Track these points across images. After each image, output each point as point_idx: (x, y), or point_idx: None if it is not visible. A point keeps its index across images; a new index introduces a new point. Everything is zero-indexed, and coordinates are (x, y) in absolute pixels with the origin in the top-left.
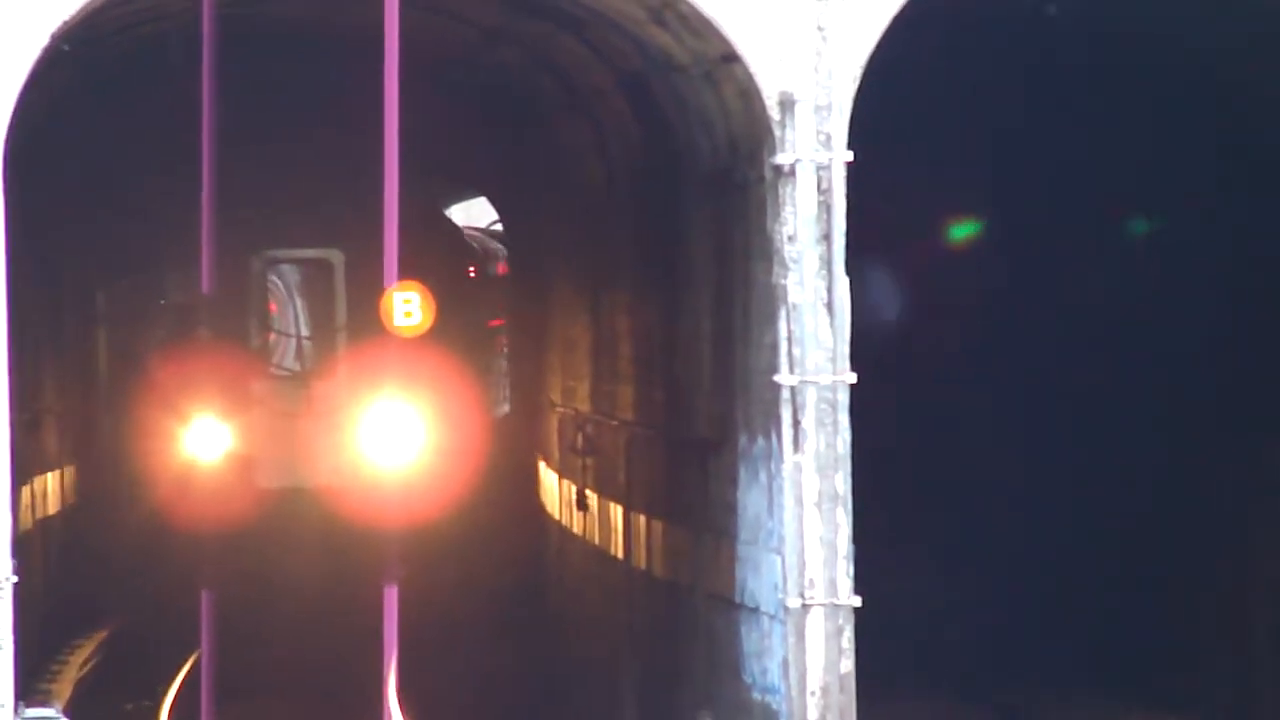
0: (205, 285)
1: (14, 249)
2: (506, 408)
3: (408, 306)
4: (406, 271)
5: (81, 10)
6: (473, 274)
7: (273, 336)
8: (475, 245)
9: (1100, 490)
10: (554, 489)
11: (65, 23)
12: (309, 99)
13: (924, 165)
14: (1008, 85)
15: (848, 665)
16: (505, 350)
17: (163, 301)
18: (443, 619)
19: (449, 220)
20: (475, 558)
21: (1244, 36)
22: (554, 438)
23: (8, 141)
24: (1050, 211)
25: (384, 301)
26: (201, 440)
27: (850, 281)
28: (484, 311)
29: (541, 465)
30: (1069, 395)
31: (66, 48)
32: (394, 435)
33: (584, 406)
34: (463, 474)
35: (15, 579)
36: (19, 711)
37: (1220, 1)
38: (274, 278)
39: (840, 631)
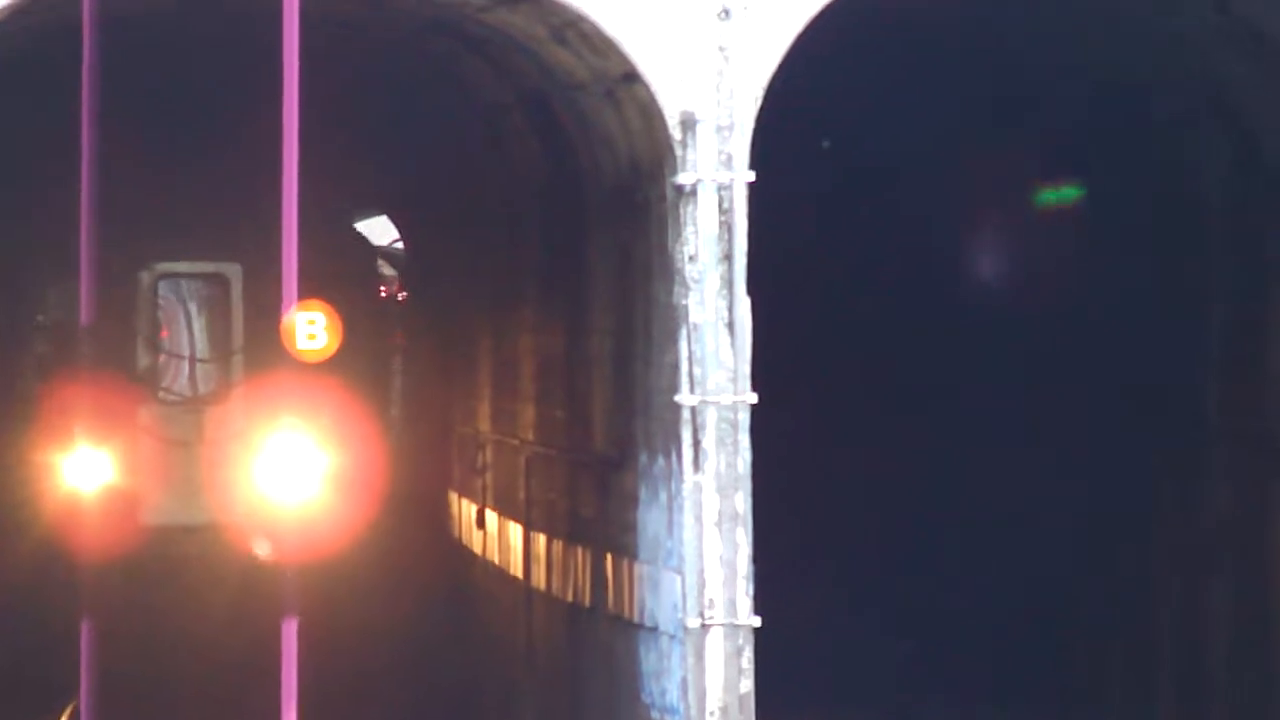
0: (84, 301)
1: None
2: (412, 432)
3: (312, 328)
4: (311, 289)
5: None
6: (384, 294)
7: (162, 358)
8: (384, 264)
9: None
10: (461, 512)
11: None
12: (210, 105)
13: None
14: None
15: (747, 685)
16: (411, 373)
17: (40, 318)
18: (348, 653)
19: (360, 235)
20: (383, 589)
21: None
22: (456, 460)
23: None
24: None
25: (285, 322)
26: (82, 470)
27: (752, 301)
28: (390, 333)
29: (451, 490)
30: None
31: None
32: (293, 469)
33: (485, 426)
34: (367, 505)
35: None
36: None
37: None
38: (165, 294)
39: (740, 651)
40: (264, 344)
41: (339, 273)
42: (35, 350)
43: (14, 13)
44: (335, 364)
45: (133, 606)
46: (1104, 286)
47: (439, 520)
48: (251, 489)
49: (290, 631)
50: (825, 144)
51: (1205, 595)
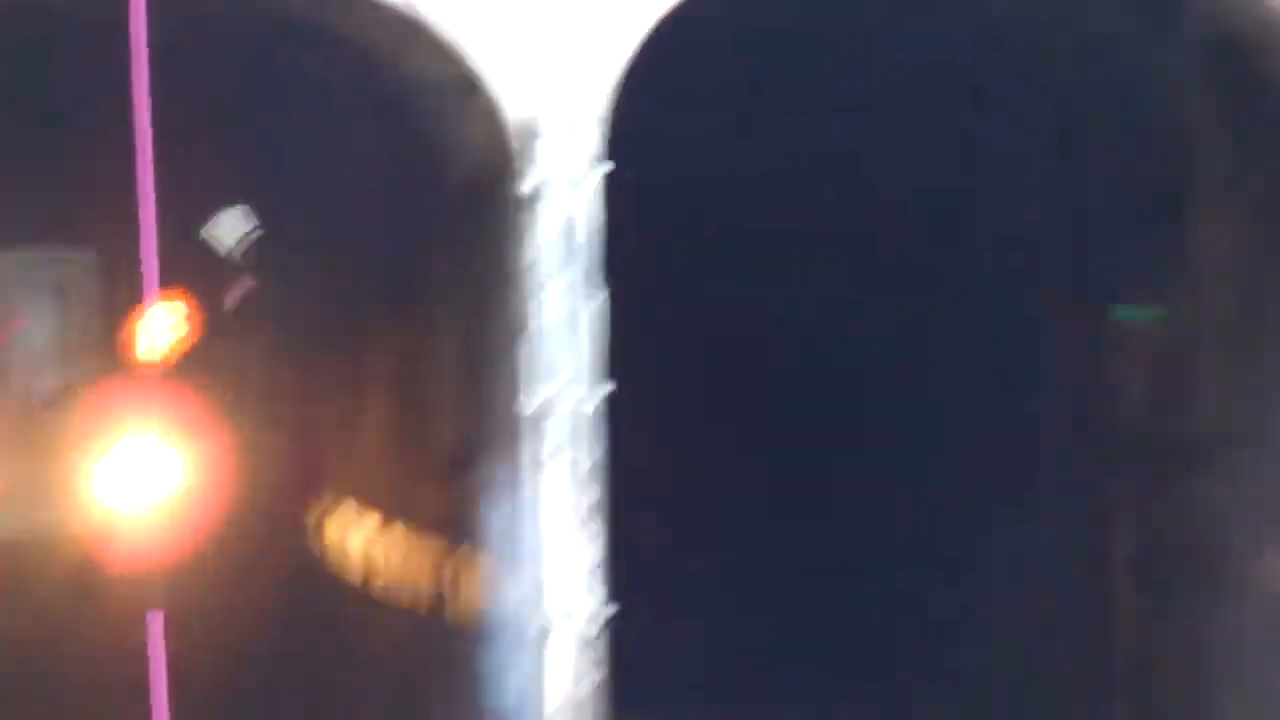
0: None
1: None
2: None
3: (166, 328)
4: (165, 286)
5: None
6: (238, 295)
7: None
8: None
9: None
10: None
11: None
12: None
13: None
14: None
15: (591, 684)
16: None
17: None
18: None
19: (214, 232)
20: (234, 597)
21: None
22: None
23: None
24: None
25: (136, 320)
26: None
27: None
28: (247, 336)
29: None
30: None
31: None
32: (143, 475)
33: (336, 430)
34: (219, 510)
35: None
36: None
37: None
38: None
39: (584, 650)
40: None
41: (192, 272)
42: None
43: None
44: (188, 366)
45: None
46: None
47: (307, 535)
48: (94, 497)
49: (157, 628)
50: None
51: None
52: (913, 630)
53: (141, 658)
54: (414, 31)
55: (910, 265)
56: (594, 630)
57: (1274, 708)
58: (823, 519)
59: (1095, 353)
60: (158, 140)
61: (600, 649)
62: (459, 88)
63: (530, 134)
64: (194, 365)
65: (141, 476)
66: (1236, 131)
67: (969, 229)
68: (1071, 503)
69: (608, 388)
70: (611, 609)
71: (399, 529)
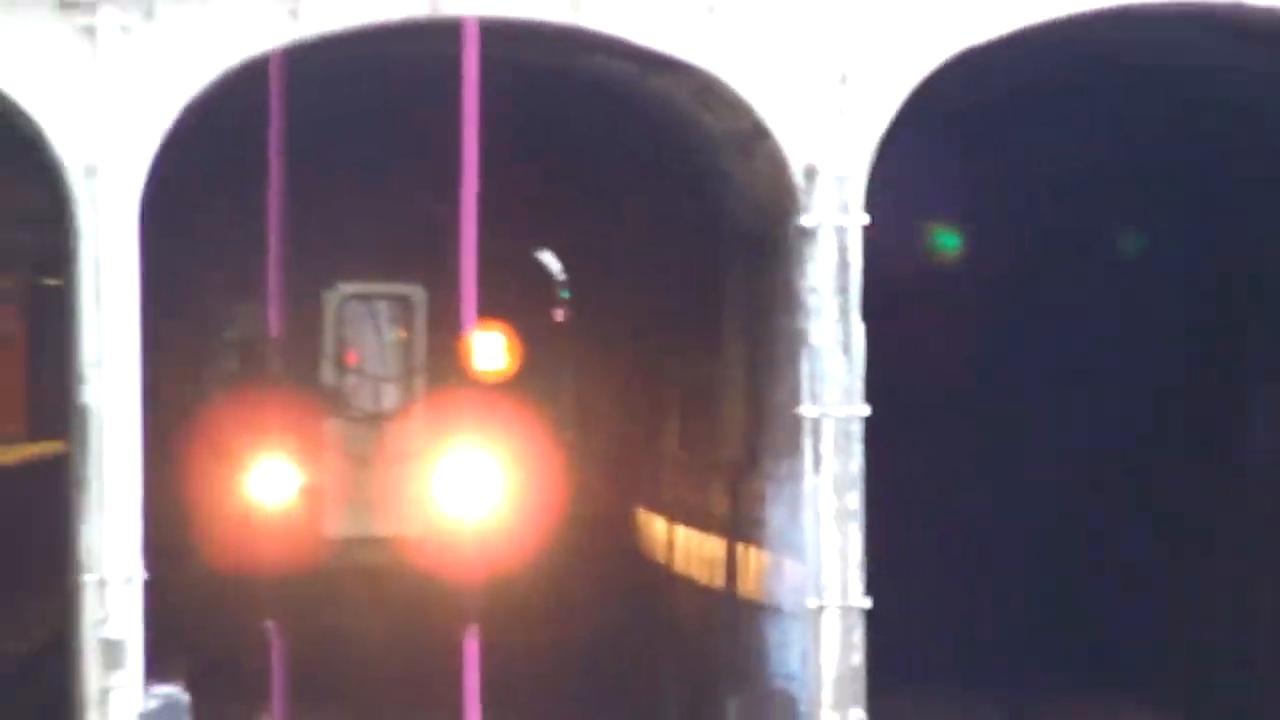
0: (273, 321)
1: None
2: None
3: (491, 349)
4: (493, 312)
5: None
6: (560, 319)
7: (348, 376)
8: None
9: None
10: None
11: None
12: (406, 144)
13: None
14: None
15: (858, 659)
16: (585, 394)
17: (228, 333)
18: (528, 661)
19: (540, 262)
20: (565, 600)
21: None
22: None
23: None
24: None
25: (465, 344)
26: (266, 483)
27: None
28: (566, 356)
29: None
30: None
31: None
32: (471, 485)
33: (644, 441)
34: (546, 520)
35: (146, 576)
36: (148, 690)
37: None
38: (351, 314)
39: (851, 630)
40: (446, 363)
41: (520, 298)
42: (220, 367)
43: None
44: (515, 384)
45: (314, 614)
46: None
47: (619, 532)
48: (431, 504)
49: (472, 642)
50: None
51: None
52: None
53: (457, 660)
54: (711, 89)
55: None
56: (859, 611)
57: None
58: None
59: None
60: (483, 188)
61: (863, 630)
62: (749, 136)
63: (810, 177)
64: (520, 383)
65: (474, 485)
66: None
67: None
68: None
69: (867, 409)
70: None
71: (696, 523)
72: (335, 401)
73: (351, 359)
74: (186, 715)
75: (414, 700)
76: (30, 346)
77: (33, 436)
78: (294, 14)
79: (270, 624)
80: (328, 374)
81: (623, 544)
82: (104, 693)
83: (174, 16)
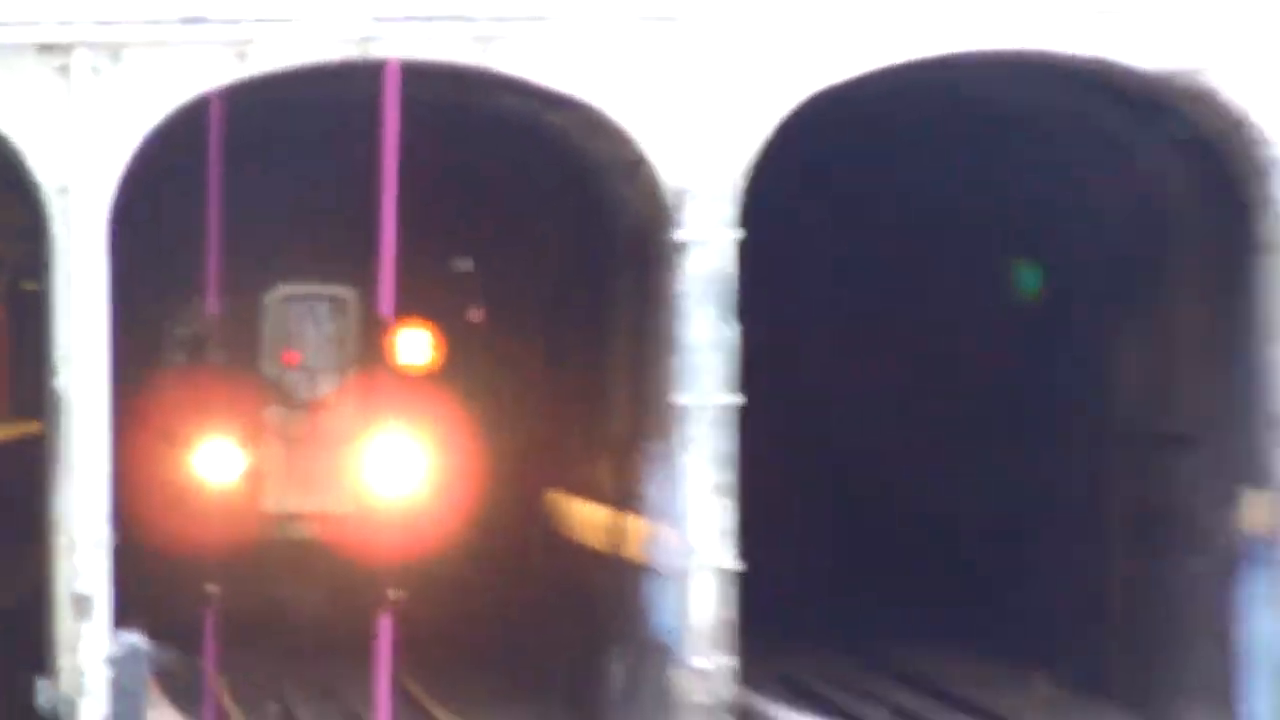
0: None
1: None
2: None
3: (416, 345)
4: (417, 310)
5: None
6: (478, 318)
7: (287, 367)
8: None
9: None
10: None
11: None
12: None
13: None
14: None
15: (727, 613)
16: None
17: (179, 330)
18: (449, 627)
19: (461, 270)
20: (481, 570)
21: None
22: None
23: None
24: None
25: (392, 339)
26: (210, 463)
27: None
28: (485, 353)
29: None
30: None
31: None
32: (396, 466)
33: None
34: (464, 503)
35: (112, 540)
36: (114, 638)
37: None
38: (290, 312)
39: (721, 588)
40: (376, 357)
41: (443, 298)
42: (173, 359)
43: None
44: (439, 377)
45: (254, 581)
46: None
47: (532, 511)
48: (360, 483)
49: (388, 607)
50: None
51: None
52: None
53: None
54: (599, 124)
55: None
56: (728, 577)
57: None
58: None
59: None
60: (409, 207)
61: (733, 593)
62: (632, 164)
63: (680, 198)
64: (443, 376)
65: (399, 467)
66: None
67: None
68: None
69: (738, 399)
70: (740, 563)
71: (592, 497)
72: (276, 390)
73: (291, 359)
74: (146, 660)
75: (331, 649)
76: (11, 340)
77: (13, 416)
78: (241, 56)
79: (213, 588)
80: (269, 366)
81: (535, 521)
82: (75, 639)
83: (138, 59)
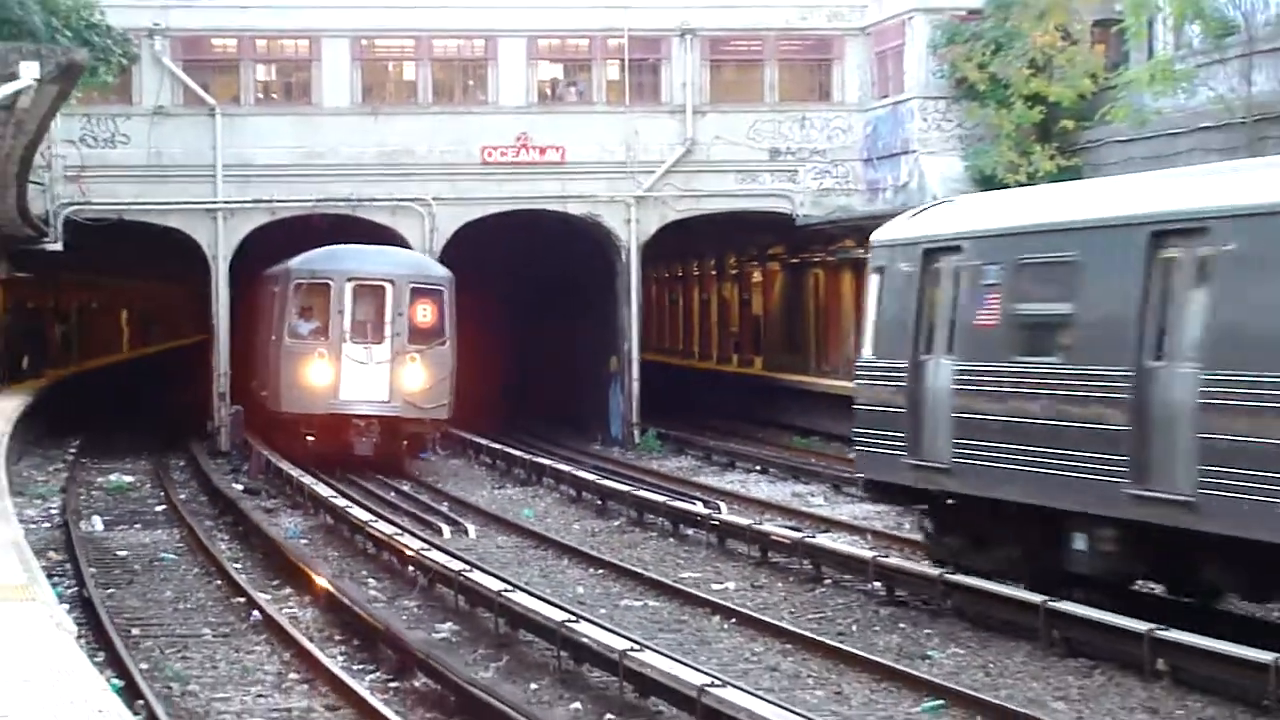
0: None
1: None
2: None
3: (425, 312)
4: (427, 297)
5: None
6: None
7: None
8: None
9: None
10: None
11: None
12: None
13: None
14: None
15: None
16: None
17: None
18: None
19: (448, 275)
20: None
21: None
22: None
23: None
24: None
25: (413, 309)
26: (317, 374)
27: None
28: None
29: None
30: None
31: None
32: (418, 377)
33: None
34: (455, 387)
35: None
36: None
37: None
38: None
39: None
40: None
41: (439, 294)
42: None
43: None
44: (437, 331)
45: (332, 443)
46: None
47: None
48: (399, 386)
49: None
50: None
51: None
52: None
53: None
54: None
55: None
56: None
57: None
58: None
59: None
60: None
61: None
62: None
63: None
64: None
65: (418, 377)
66: None
67: None
68: None
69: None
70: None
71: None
72: (350, 332)
73: (357, 313)
74: (241, 415)
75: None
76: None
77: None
78: (272, 212)
79: (310, 435)
80: (346, 319)
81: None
82: (220, 409)
83: (234, 217)
